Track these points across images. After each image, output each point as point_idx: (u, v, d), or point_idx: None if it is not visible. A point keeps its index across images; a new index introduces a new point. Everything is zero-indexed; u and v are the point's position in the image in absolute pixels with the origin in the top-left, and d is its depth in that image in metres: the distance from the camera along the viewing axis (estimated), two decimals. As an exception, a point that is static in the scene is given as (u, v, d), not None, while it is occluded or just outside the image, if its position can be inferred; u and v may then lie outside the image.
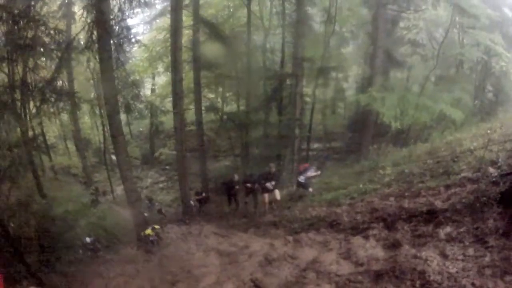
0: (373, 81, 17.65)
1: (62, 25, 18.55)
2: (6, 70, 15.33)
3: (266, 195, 14.40)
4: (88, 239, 15.00)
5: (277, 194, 14.50)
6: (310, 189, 14.51)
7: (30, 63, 16.11)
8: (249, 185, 15.64)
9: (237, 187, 16.77)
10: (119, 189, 20.83)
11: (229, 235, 12.53)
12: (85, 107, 23.52)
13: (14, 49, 14.62)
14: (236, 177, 16.96)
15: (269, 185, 14.23)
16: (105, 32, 14.08)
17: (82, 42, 17.15)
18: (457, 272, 4.33)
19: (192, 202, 19.28)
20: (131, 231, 16.32)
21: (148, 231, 13.67)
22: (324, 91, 21.63)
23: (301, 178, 14.55)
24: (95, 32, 14.85)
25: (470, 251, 4.67)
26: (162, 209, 19.72)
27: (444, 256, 4.78)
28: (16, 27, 14.29)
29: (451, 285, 4.13)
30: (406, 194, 8.58)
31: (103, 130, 22.46)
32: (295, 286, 6.11)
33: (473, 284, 4.02)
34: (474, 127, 13.98)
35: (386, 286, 4.77)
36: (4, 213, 12.46)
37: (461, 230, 5.35)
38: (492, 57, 17.35)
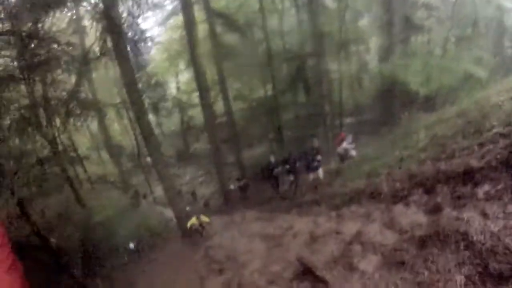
0: (393, 49, 17.49)
1: (75, 40, 18.89)
2: (25, 89, 15.75)
3: (311, 174, 14.41)
4: (132, 245, 15.46)
5: (321, 172, 14.53)
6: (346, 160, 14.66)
7: (49, 79, 16.49)
8: (288, 166, 15.77)
9: (276, 169, 16.87)
10: (159, 189, 21.25)
11: (272, 219, 12.73)
12: (112, 114, 24.00)
13: (28, 68, 14.94)
14: (273, 159, 17.06)
15: (315, 163, 14.20)
16: (119, 37, 14.31)
17: (98, 54, 17.49)
18: (499, 230, 4.35)
19: (232, 187, 19.59)
20: (174, 228, 16.70)
21: (193, 220, 13.94)
22: (349, 66, 21.55)
23: (340, 149, 14.64)
24: (108, 39, 15.17)
25: (510, 208, 4.68)
26: (208, 202, 20.13)
27: (485, 215, 4.79)
28: (27, 48, 14.57)
29: (494, 244, 4.16)
30: (442, 156, 8.54)
31: (134, 134, 22.83)
32: (341, 260, 6.21)
33: (516, 241, 4.06)
34: (498, 83, 13.74)
35: (431, 250, 4.83)
36: (44, 228, 12.83)
37: (499, 187, 5.32)
38: (504, 13, 17.08)
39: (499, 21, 17.64)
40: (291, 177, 15.92)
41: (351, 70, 21.99)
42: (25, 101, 16.11)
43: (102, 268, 14.25)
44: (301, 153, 15.04)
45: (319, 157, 14.29)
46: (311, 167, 14.23)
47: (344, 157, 14.94)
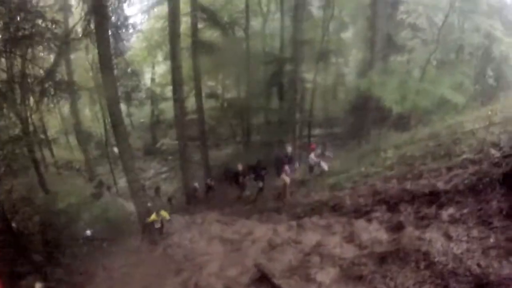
0: (373, 65, 17.61)
1: (59, 17, 18.69)
2: (4, 63, 15.47)
3: (287, 178, 14.09)
4: (89, 232, 15.17)
5: (288, 179, 14.34)
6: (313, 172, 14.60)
7: (29, 55, 16.22)
8: (253, 175, 15.65)
9: (242, 176, 16.75)
10: (122, 181, 20.94)
11: (232, 222, 12.60)
12: (85, 99, 23.62)
13: (12, 41, 14.68)
14: (240, 167, 16.90)
15: (288, 167, 13.96)
16: (103, 19, 14.07)
17: (80, 34, 17.29)
18: (461, 253, 4.33)
19: (196, 185, 19.40)
20: (135, 222, 16.42)
21: (153, 216, 13.67)
22: (325, 77, 21.63)
23: (311, 160, 14.53)
24: (92, 20, 14.95)
25: (474, 233, 4.67)
26: (171, 199, 19.86)
27: (448, 237, 4.77)
28: (13, 21, 14.34)
29: (456, 266, 4.13)
30: (408, 176, 8.59)
31: (104, 122, 22.52)
32: (299, 270, 6.11)
33: (478, 265, 4.02)
34: (475, 111, 13.93)
35: (391, 268, 4.77)
36: (8, 210, 12.48)
37: (464, 211, 5.35)
38: (493, 42, 17.35)
39: (486, 50, 17.90)
40: (260, 184, 15.69)
41: (327, 80, 22.08)
42: (3, 76, 15.82)
43: (62, 255, 13.96)
44: (277, 157, 14.69)
45: (297, 165, 14.30)
46: (281, 172, 14.02)
47: (313, 168, 14.84)
